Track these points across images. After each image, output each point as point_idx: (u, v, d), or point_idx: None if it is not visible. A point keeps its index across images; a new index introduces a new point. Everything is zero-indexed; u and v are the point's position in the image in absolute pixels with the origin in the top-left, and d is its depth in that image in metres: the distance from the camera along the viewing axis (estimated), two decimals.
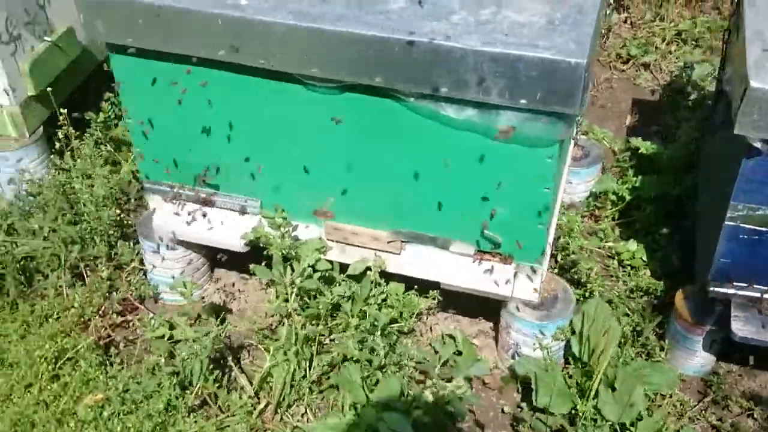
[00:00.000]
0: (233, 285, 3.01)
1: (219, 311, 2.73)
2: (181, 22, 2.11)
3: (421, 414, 2.20)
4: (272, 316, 2.75)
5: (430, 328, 2.81)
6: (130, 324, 2.82)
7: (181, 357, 2.37)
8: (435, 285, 2.55)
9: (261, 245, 2.57)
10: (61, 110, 2.80)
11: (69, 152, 3.31)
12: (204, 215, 2.63)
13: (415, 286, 2.69)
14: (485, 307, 2.73)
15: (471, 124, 2.08)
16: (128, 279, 2.90)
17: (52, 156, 3.12)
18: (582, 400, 2.33)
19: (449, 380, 2.36)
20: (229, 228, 2.60)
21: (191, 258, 2.82)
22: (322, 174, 2.39)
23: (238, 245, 2.58)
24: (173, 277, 2.81)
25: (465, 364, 2.57)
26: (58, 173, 3.16)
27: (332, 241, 2.57)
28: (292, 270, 2.49)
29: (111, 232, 2.94)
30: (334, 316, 2.59)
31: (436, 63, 1.96)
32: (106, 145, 3.28)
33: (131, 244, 2.97)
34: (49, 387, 2.45)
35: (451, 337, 2.67)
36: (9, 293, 2.77)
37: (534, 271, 2.37)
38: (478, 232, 2.35)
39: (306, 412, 2.45)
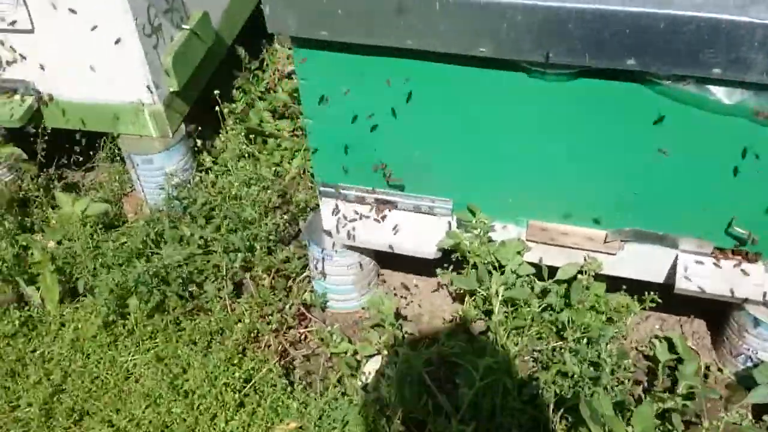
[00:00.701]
0: (402, 286, 2.76)
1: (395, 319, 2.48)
2: (389, 12, 1.81)
3: None
4: (455, 322, 2.50)
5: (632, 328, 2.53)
6: (302, 337, 2.60)
7: (388, 377, 2.13)
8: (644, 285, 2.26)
9: (449, 249, 2.30)
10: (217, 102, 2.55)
11: (210, 149, 3.10)
12: (385, 218, 2.36)
13: (624, 287, 2.40)
14: (690, 305, 2.42)
15: (741, 109, 1.75)
16: (297, 288, 2.67)
17: (196, 156, 2.90)
18: None
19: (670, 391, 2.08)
20: (416, 232, 2.33)
21: (362, 262, 2.58)
22: (532, 170, 2.09)
23: (429, 252, 2.31)
24: (351, 284, 2.57)
25: (689, 373, 2.28)
26: (206, 174, 2.95)
27: (535, 242, 2.28)
28: (489, 275, 2.23)
29: (270, 237, 2.71)
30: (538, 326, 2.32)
31: (714, 40, 1.62)
32: (249, 140, 3.05)
33: (291, 250, 2.75)
34: (235, 417, 2.25)
35: (667, 339, 2.38)
36: (170, 310, 2.56)
37: None
38: (721, 228, 2.04)
39: None
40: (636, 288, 2.34)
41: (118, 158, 3.09)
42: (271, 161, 3.21)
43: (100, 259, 2.61)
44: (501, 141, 2.05)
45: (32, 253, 2.67)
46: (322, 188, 2.40)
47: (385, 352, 2.32)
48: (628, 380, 2.24)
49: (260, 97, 3.50)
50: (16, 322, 2.51)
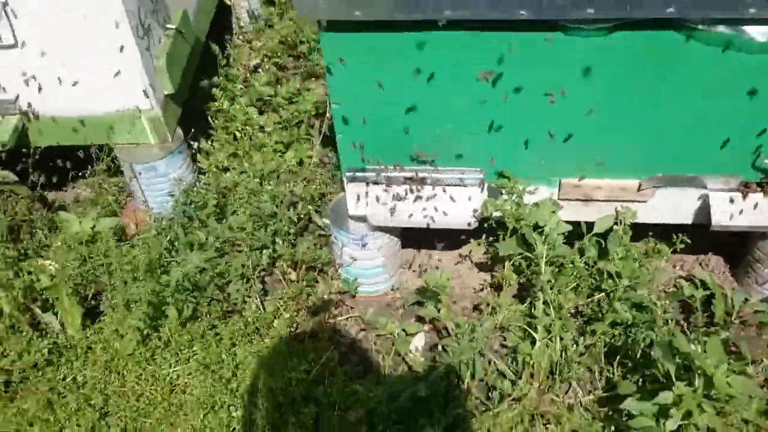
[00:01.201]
0: (428, 262, 2.77)
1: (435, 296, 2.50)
2: None
3: None
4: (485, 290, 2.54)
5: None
6: (340, 324, 2.58)
7: (456, 354, 2.14)
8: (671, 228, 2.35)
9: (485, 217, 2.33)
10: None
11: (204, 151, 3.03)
12: (417, 195, 2.36)
13: (650, 233, 2.49)
14: (705, 244, 2.55)
15: None
16: (322, 278, 2.65)
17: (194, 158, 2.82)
18: None
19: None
20: (449, 206, 2.34)
21: (390, 243, 2.57)
22: (568, 129, 2.13)
23: (465, 222, 2.32)
24: (381, 266, 2.56)
25: (722, 306, 2.39)
26: (207, 176, 2.88)
27: (568, 200, 2.33)
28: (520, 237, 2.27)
29: (291, 231, 2.67)
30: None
31: None
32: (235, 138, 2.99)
33: (311, 240, 2.72)
34: (304, 409, 2.22)
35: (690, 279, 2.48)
36: (203, 316, 2.50)
37: None
38: (747, 163, 2.14)
39: (574, 387, 2.26)
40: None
41: (110, 171, 2.96)
42: (267, 157, 3.15)
43: (120, 275, 2.51)
44: (537, 104, 2.08)
45: (39, 279, 2.55)
46: (348, 174, 2.37)
47: (430, 327, 2.34)
48: (671, 320, 2.33)
49: (239, 94, 3.43)
50: (44, 351, 2.38)
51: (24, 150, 2.68)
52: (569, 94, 2.04)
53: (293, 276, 2.67)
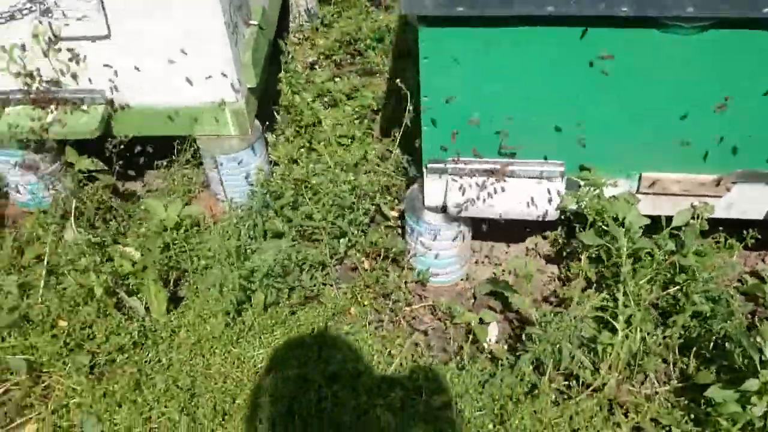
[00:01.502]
0: (493, 253, 2.84)
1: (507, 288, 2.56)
2: None
3: None
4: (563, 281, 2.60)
5: None
6: (415, 312, 2.65)
7: (545, 341, 2.20)
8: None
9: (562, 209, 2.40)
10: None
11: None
12: (497, 187, 2.43)
13: (720, 228, 2.55)
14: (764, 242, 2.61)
15: None
16: (392, 267, 2.72)
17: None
18: None
19: None
20: (528, 197, 2.40)
21: (465, 234, 2.64)
22: (654, 123, 2.20)
23: (544, 215, 2.39)
24: (455, 256, 2.63)
25: None
26: (281, 167, 2.96)
27: (646, 193, 2.40)
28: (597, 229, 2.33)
29: (364, 221, 2.74)
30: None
31: None
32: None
33: (382, 230, 2.79)
34: (392, 393, 2.29)
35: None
36: (283, 301, 2.57)
37: None
38: None
39: (651, 378, 2.32)
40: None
41: (181, 162, 3.04)
42: (332, 150, 3.23)
43: (203, 261, 2.59)
44: (625, 98, 2.15)
45: (122, 265, 2.63)
46: (430, 165, 2.44)
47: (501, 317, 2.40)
48: (743, 313, 2.39)
49: (303, 88, 3.51)
50: (134, 334, 2.46)
51: (109, 139, 2.76)
52: (659, 89, 2.11)
53: (366, 264, 2.75)
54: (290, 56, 3.73)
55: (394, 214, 2.97)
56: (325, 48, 3.96)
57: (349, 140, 3.30)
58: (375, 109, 3.55)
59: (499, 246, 2.86)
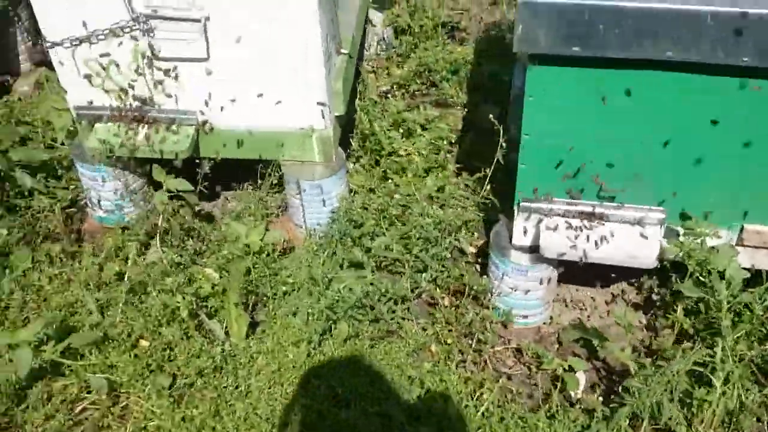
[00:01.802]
0: (576, 296, 2.78)
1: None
2: (666, 26, 1.85)
3: None
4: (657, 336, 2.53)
5: None
6: (498, 354, 2.59)
7: (643, 395, 2.13)
8: None
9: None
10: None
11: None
12: (593, 230, 2.37)
13: None
14: None
15: None
16: (471, 306, 2.67)
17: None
18: None
19: None
20: (626, 243, 2.34)
21: (551, 276, 2.59)
22: (756, 172, 2.14)
23: (644, 262, 2.33)
24: (540, 298, 2.58)
25: None
26: (359, 195, 2.95)
27: (747, 246, 2.32)
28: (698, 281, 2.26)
29: (448, 255, 2.70)
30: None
31: None
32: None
33: (464, 267, 2.75)
34: None
35: None
36: (363, 333, 2.53)
37: None
38: None
39: None
40: None
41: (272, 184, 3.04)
42: (407, 180, 3.20)
43: (284, 288, 2.57)
44: (725, 146, 2.10)
45: (201, 287, 2.62)
46: (523, 203, 2.40)
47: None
48: None
49: (379, 117, 3.50)
50: (217, 358, 2.44)
51: (197, 161, 2.77)
52: (750, 135, 2.05)
53: (446, 301, 2.70)
54: (365, 85, 3.75)
55: (472, 250, 2.93)
56: (400, 77, 3.96)
57: (425, 172, 3.28)
58: (451, 141, 3.52)
59: (583, 290, 2.80)
